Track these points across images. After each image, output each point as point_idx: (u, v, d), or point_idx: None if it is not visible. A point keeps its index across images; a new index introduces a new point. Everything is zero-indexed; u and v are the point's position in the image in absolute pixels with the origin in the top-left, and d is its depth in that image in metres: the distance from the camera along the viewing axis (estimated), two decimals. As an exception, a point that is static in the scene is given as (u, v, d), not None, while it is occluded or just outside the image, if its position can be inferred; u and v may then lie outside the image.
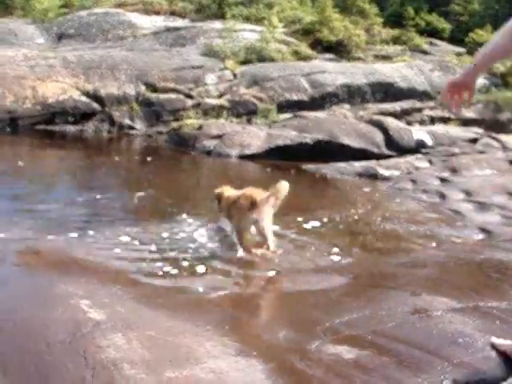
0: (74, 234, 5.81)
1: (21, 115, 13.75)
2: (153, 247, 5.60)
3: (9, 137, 12.80)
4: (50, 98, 14.22)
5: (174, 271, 4.97)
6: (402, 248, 6.25)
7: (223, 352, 3.48)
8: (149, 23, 22.03)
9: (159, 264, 5.14)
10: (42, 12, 23.54)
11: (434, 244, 6.30)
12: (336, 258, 5.62)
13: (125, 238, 5.78)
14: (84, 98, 14.60)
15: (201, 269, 4.96)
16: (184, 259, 5.33)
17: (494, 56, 3.06)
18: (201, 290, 4.60)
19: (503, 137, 13.12)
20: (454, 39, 26.63)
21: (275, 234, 6.16)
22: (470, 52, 22.04)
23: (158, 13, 23.58)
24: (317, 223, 6.90)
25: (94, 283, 4.42)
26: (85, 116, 14.48)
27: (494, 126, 15.69)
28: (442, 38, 27.66)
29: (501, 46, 2.93)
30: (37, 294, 4.11)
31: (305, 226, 6.78)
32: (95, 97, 14.77)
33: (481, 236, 6.85)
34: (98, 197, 7.26)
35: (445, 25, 29.38)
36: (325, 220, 7.07)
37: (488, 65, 3.18)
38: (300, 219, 7.03)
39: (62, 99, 14.31)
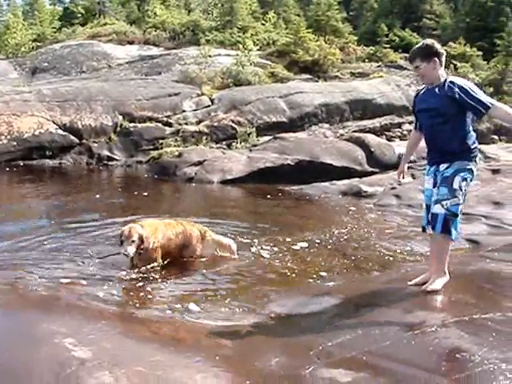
0: (53, 273, 5.64)
1: (-4, 152, 13.60)
2: (135, 281, 5.47)
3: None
4: (26, 132, 14.10)
5: (161, 304, 4.85)
6: (391, 264, 6.18)
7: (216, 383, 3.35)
8: (123, 53, 22.07)
9: (144, 298, 5.04)
10: (15, 47, 23.54)
11: (422, 258, 6.25)
12: (325, 279, 5.53)
13: (103, 273, 5.65)
14: (61, 131, 14.50)
15: (192, 305, 4.80)
16: (170, 291, 5.22)
17: (408, 152, 5.56)
18: (188, 321, 4.48)
19: (484, 147, 13.17)
20: (428, 53, 26.92)
21: (263, 256, 6.21)
22: (445, 65, 22.24)
23: (131, 42, 23.69)
24: (305, 244, 6.84)
25: (79, 319, 4.26)
26: (63, 149, 14.36)
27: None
28: (415, 53, 27.92)
29: (408, 147, 5.52)
30: (19, 334, 3.95)
31: (293, 247, 6.71)
32: (72, 129, 14.67)
33: (468, 247, 6.81)
34: (75, 235, 7.08)
35: (418, 39, 29.72)
36: (312, 241, 7.01)
37: (408, 158, 5.63)
38: (288, 240, 6.97)
39: (38, 133, 14.21)
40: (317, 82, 20.60)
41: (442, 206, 4.79)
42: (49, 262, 5.95)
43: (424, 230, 5.22)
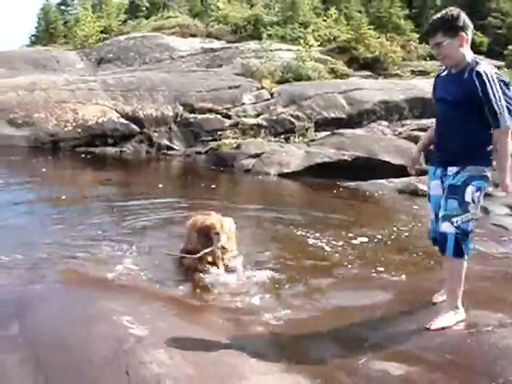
0: (114, 253, 5.81)
1: (62, 138, 14.04)
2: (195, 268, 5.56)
3: (51, 160, 13.01)
4: (90, 120, 14.45)
5: (215, 291, 4.96)
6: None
7: (268, 369, 3.39)
8: (186, 45, 22.30)
9: (201, 283, 5.13)
10: (83, 38, 24.21)
11: (479, 259, 6.12)
12: (383, 274, 5.51)
13: (160, 259, 5.76)
14: (123, 120, 14.78)
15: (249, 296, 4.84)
16: (226, 280, 5.28)
17: (425, 142, 4.55)
18: (244, 307, 4.55)
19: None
20: (493, 52, 26.22)
21: (322, 249, 6.36)
22: (510, 65, 21.67)
23: (194, 35, 23.92)
24: (365, 239, 6.83)
25: (136, 300, 4.39)
26: (124, 137, 14.65)
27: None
28: (479, 52, 27.14)
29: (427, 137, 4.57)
30: (78, 311, 4.09)
31: (353, 241, 6.72)
32: (134, 118, 14.93)
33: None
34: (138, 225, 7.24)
35: (483, 38, 28.98)
36: (372, 236, 6.99)
37: (424, 146, 4.57)
38: (348, 234, 6.99)
39: (101, 121, 14.53)
40: (377, 79, 20.36)
41: (452, 223, 3.90)
42: (109, 246, 6.11)
43: (435, 242, 4.33)
